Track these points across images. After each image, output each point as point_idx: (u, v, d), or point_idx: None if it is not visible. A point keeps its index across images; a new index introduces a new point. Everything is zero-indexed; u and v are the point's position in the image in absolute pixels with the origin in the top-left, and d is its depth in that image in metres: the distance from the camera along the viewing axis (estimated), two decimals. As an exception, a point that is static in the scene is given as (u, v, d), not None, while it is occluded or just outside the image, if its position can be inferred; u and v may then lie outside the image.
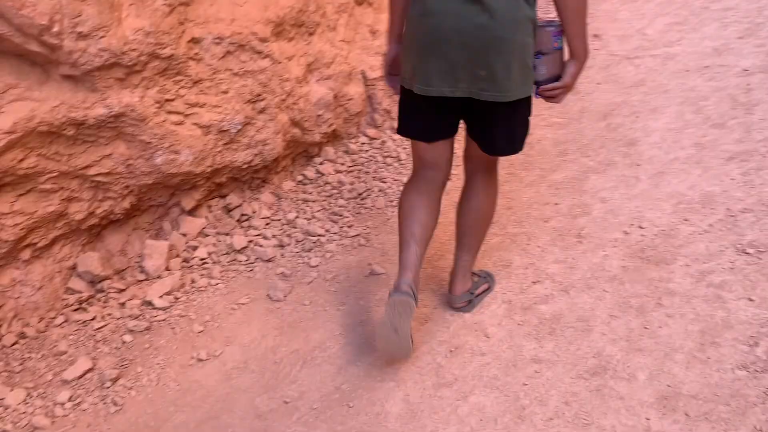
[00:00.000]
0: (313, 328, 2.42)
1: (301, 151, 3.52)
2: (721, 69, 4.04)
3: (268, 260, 2.83)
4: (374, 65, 3.87)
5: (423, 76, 1.86)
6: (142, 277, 2.68)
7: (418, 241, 2.04)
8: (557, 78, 1.88)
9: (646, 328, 2.10)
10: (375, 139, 3.82)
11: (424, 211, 2.08)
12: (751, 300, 2.11)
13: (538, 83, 1.90)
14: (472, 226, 2.23)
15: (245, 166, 3.05)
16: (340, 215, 3.15)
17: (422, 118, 2.02)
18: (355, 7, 3.79)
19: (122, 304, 2.54)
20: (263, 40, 2.94)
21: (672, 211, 2.75)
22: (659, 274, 2.36)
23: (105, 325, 2.45)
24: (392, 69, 2.15)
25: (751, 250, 2.34)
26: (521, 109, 1.94)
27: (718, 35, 4.60)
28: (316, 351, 2.29)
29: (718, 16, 5.00)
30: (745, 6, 5.07)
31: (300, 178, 3.45)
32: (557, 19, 1.82)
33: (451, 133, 2.08)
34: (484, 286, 2.43)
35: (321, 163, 3.56)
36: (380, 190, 3.36)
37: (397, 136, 3.87)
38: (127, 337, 2.40)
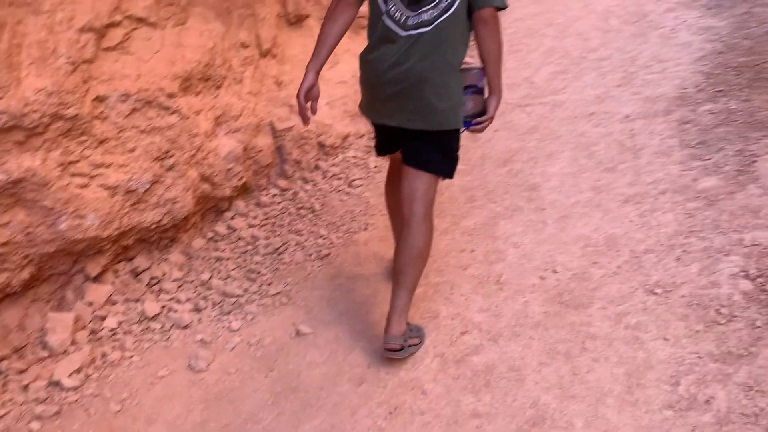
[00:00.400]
0: (241, 399, 2.30)
1: (210, 207, 3.40)
2: (605, 116, 4.38)
3: (185, 327, 2.68)
4: (282, 116, 3.84)
5: (372, 109, 2.37)
6: (45, 354, 2.44)
7: None
8: (482, 113, 2.28)
9: (575, 374, 2.19)
10: (286, 190, 3.77)
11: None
12: (666, 339, 2.25)
13: (467, 117, 2.26)
14: (408, 264, 2.35)
15: (154, 227, 2.89)
16: (258, 273, 3.06)
17: (380, 138, 2.52)
18: (260, 60, 3.76)
19: (25, 387, 2.30)
20: (171, 95, 2.84)
21: (581, 255, 2.90)
22: (579, 318, 2.47)
23: (7, 413, 2.19)
24: (307, 96, 2.26)
25: (659, 290, 2.51)
26: (447, 139, 2.30)
27: (598, 83, 5.00)
28: (248, 424, 2.18)
29: (596, 65, 5.43)
30: (618, 56, 5.56)
31: (211, 234, 3.32)
32: (480, 63, 2.23)
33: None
34: (416, 340, 2.44)
35: (232, 218, 3.45)
36: (297, 244, 3.30)
37: (309, 187, 3.85)
38: (35, 425, 2.16)
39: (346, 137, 4.32)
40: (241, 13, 3.46)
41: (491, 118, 2.29)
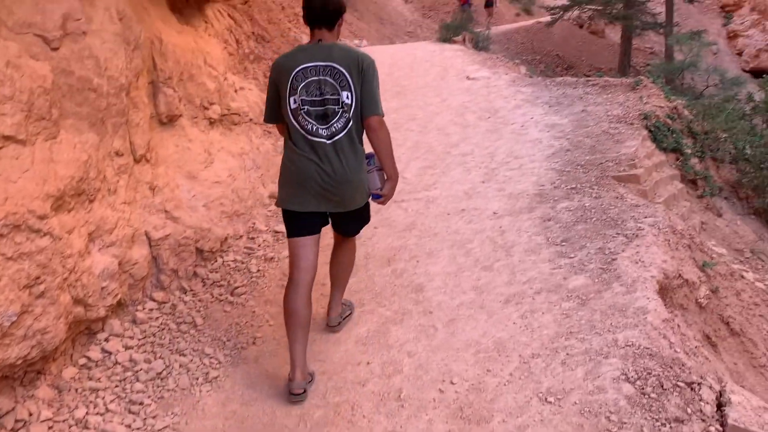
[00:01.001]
0: None
1: (82, 329, 3.09)
2: (475, 212, 4.65)
3: (59, 480, 2.36)
4: (157, 224, 3.65)
5: (297, 202, 2.90)
6: None
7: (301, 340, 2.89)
8: (383, 188, 3.01)
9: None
10: (164, 303, 3.54)
11: (303, 312, 2.91)
12: (567, 452, 2.36)
13: (372, 192, 3.03)
14: (341, 271, 3.35)
15: (20, 362, 2.56)
16: (140, 404, 2.80)
17: (300, 224, 2.95)
18: (134, 166, 3.57)
19: None
20: (42, 217, 2.60)
21: (474, 362, 2.99)
22: (483, 434, 2.52)
23: None
24: None
25: (551, 399, 2.64)
26: (361, 210, 3.09)
27: (464, 179, 5.32)
28: None
29: (460, 161, 5.79)
30: (479, 152, 5.98)
31: (83, 361, 3.01)
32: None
33: (319, 229, 3.03)
34: (348, 312, 3.48)
35: (106, 340, 3.16)
36: (181, 366, 3.08)
37: (188, 298, 3.65)
38: None
39: (225, 240, 4.18)
40: (115, 121, 3.29)
41: (389, 196, 3.02)
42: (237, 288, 3.81)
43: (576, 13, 15.69)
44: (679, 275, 3.77)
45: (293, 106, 2.79)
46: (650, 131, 5.97)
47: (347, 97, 2.77)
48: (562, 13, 15.37)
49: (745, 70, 18.60)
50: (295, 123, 2.81)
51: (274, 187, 4.95)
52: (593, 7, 14.89)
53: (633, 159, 5.13)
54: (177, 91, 4.39)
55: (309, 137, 2.79)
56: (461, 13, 20.70)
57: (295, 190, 2.88)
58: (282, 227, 3.92)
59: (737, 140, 6.50)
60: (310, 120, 2.79)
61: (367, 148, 2.95)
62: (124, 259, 3.28)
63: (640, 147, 5.51)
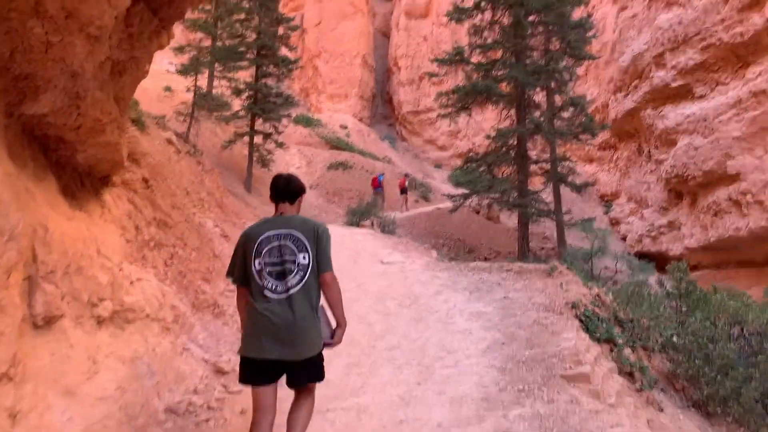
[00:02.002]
0: None
1: None
2: (417, 424, 3.98)
3: None
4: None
5: (256, 347, 3.19)
6: None
7: None
8: (332, 335, 3.39)
9: None
10: None
11: None
12: None
13: (324, 339, 3.31)
14: (296, 425, 3.31)
15: None
16: None
17: (257, 371, 3.22)
18: (-10, 389, 2.72)
19: None
20: None
21: None
22: None
23: None
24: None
25: None
26: (315, 358, 3.31)
27: (397, 380, 4.70)
28: None
29: (388, 356, 5.21)
30: (407, 345, 5.44)
31: None
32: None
33: (275, 378, 3.26)
34: None
35: None
36: None
37: None
38: None
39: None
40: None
41: (338, 342, 3.41)
42: None
43: (475, 200, 16.45)
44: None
45: (257, 267, 3.26)
46: (581, 321, 5.75)
47: (303, 258, 3.26)
48: (463, 200, 16.05)
49: (629, 254, 19.94)
50: (258, 281, 3.24)
51: (171, 397, 4.13)
52: (492, 195, 15.67)
53: (576, 354, 4.77)
54: (60, 287, 3.66)
55: (268, 293, 3.21)
56: (375, 197, 21.50)
57: (253, 339, 3.21)
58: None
59: (663, 328, 6.44)
60: (271, 279, 3.23)
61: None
62: None
63: (577, 339, 5.20)
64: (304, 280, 3.22)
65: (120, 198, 6.41)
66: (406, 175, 25.33)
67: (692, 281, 7.36)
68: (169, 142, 12.16)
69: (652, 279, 14.00)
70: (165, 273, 6.47)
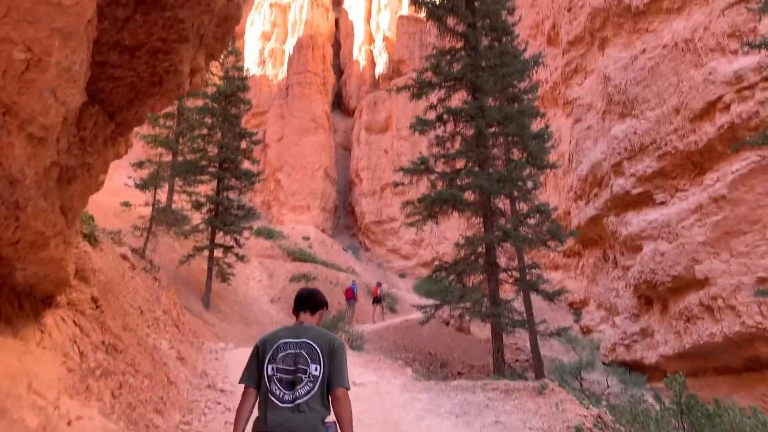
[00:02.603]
0: None
1: None
2: None
3: None
4: None
5: None
6: None
7: None
8: None
9: None
10: None
11: None
12: None
13: None
14: None
15: None
16: None
17: None
18: None
19: None
20: None
21: None
22: None
23: None
24: None
25: None
26: None
27: None
28: None
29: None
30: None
31: None
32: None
33: None
34: None
35: None
36: None
37: None
38: None
39: None
40: None
41: None
42: None
43: (446, 311, 15.90)
44: None
45: (269, 373, 3.29)
46: (589, 449, 5.12)
47: (316, 369, 3.27)
48: (434, 311, 15.48)
49: (604, 363, 19.36)
50: (268, 387, 3.27)
51: None
52: (463, 305, 15.17)
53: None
54: (-28, 441, 2.92)
55: (276, 401, 3.22)
56: (347, 309, 20.73)
57: None
58: None
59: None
60: (281, 387, 3.25)
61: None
62: None
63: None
64: (312, 392, 3.23)
65: (64, 320, 5.69)
66: (379, 284, 24.73)
67: (692, 395, 6.83)
68: (124, 257, 11.46)
69: (647, 393, 13.39)
70: (112, 406, 5.65)
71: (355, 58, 52.80)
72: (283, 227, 40.03)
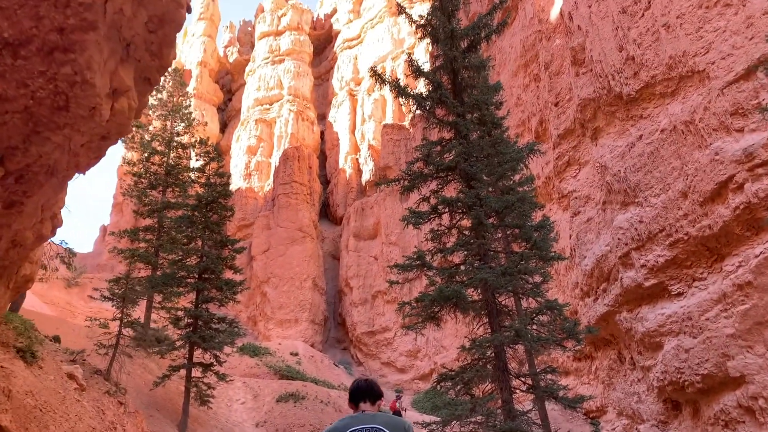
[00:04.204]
0: None
1: None
2: None
3: None
4: None
5: None
6: None
7: None
8: None
9: None
10: None
11: None
12: None
13: None
14: None
15: None
16: None
17: None
18: None
19: None
20: None
21: None
22: None
23: None
24: None
25: None
26: None
27: None
28: None
29: None
30: None
31: None
32: None
33: None
34: None
35: None
36: None
37: None
38: None
39: None
40: None
41: None
42: None
43: (456, 429, 13.81)
44: None
45: None
46: None
47: None
48: (442, 428, 13.39)
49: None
50: None
51: None
52: (474, 419, 13.14)
53: None
54: None
55: None
56: None
57: None
58: None
59: None
60: None
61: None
62: None
63: None
64: None
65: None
66: (398, 396, 22.12)
67: None
68: (71, 377, 9.58)
69: None
70: None
71: (341, 167, 52.76)
72: (269, 343, 37.72)
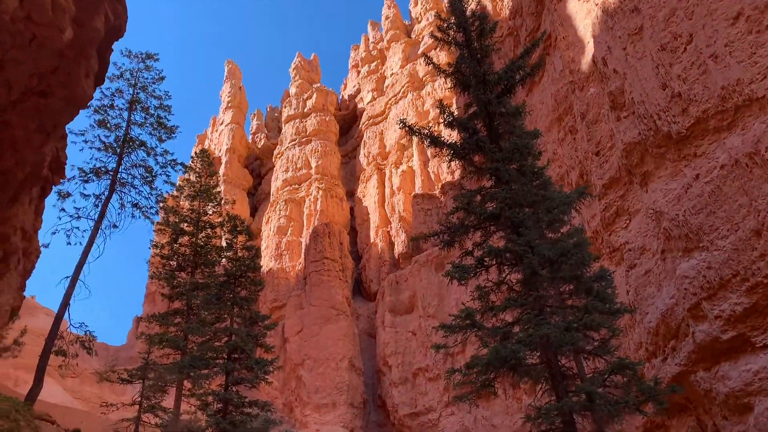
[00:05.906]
0: None
1: None
2: None
3: None
4: None
5: None
6: None
7: None
8: None
9: None
10: None
11: None
12: None
13: None
14: None
15: None
16: None
17: None
18: None
19: None
20: None
21: None
22: None
23: None
24: None
25: None
26: None
27: None
28: None
29: None
30: None
31: None
32: None
33: None
34: None
35: None
36: None
37: None
38: None
39: None
40: None
41: None
42: None
43: None
44: None
45: None
46: None
47: None
48: None
49: None
50: None
51: None
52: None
53: None
54: None
55: None
56: None
57: None
58: None
59: None
60: None
61: None
62: None
63: None
64: None
65: None
66: None
67: None
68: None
69: None
70: None
71: (372, 240, 51.60)
72: (307, 430, 35.37)
